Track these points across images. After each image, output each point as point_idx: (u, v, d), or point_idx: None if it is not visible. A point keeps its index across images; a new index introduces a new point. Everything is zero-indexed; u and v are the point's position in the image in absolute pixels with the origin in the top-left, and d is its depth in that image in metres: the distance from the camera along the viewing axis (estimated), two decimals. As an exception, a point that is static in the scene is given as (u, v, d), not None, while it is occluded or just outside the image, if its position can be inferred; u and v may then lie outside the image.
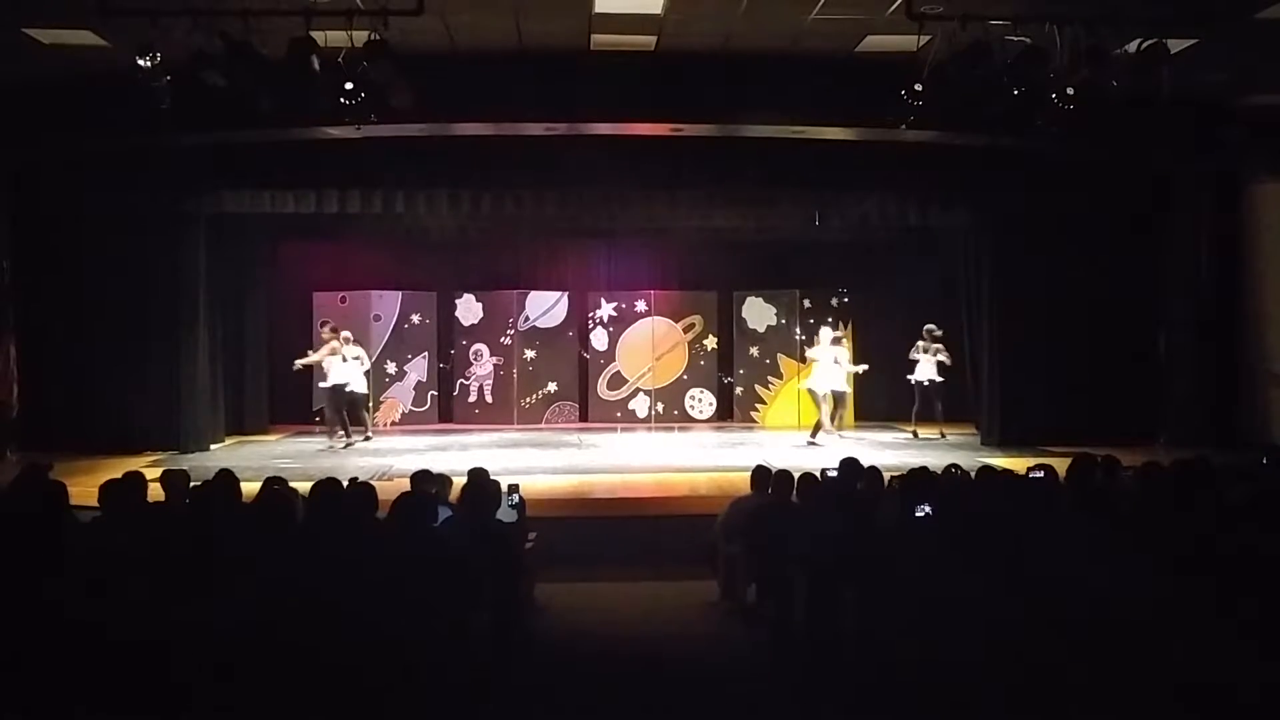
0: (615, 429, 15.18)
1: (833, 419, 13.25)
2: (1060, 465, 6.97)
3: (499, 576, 5.69)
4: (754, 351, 15.78)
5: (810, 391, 13.42)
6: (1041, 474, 6.67)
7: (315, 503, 5.86)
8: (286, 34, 7.78)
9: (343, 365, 12.92)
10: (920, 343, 13.43)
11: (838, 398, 13.36)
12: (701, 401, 15.78)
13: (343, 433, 12.85)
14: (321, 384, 13.46)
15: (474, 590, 5.30)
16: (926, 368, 13.35)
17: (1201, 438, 11.83)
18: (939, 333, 13.39)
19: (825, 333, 13.71)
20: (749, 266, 16.04)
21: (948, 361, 13.30)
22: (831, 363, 13.30)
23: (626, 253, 16.39)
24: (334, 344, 13.05)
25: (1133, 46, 8.20)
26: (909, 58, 8.83)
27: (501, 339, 15.71)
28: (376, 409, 15.34)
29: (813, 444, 12.79)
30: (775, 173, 11.97)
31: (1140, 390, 12.88)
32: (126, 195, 12.03)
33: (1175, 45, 8.57)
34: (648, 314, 15.85)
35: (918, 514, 5.81)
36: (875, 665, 5.19)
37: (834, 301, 15.73)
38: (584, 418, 15.68)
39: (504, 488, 6.90)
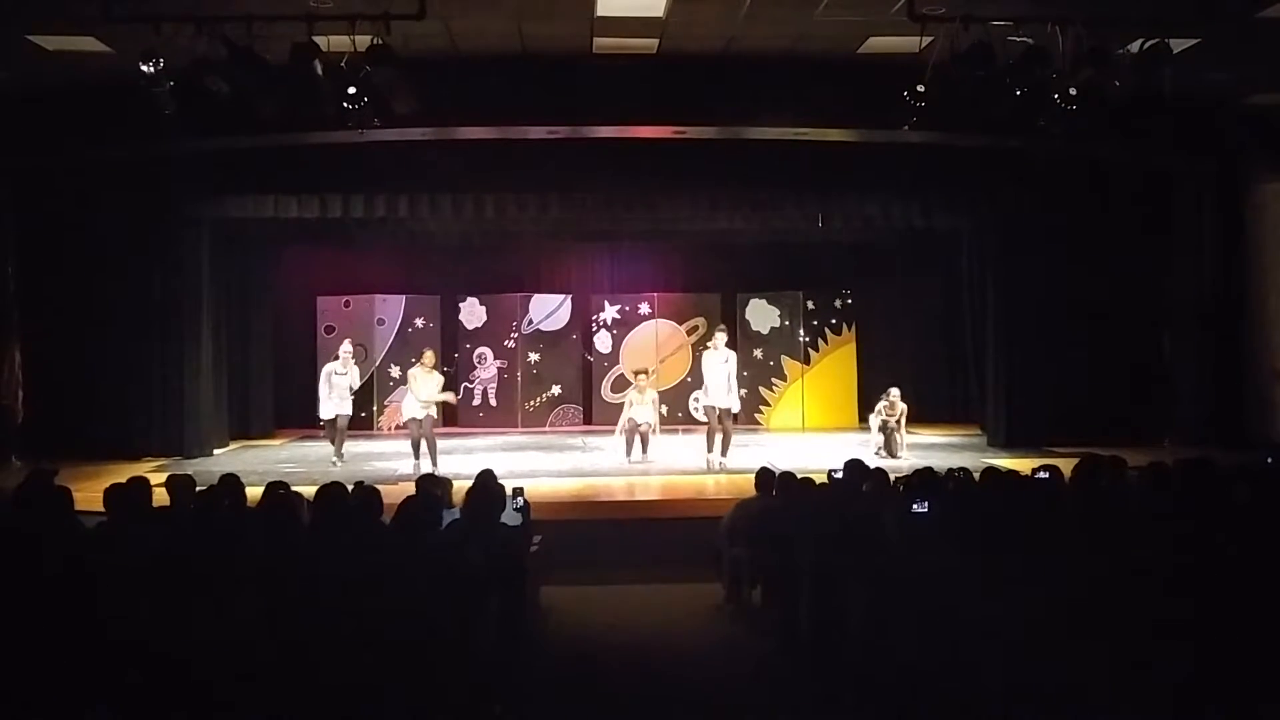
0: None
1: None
2: (1066, 466, 6.96)
3: (504, 579, 5.69)
4: (757, 353, 15.80)
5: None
6: (1047, 475, 6.66)
7: (320, 506, 5.86)
8: (289, 39, 7.80)
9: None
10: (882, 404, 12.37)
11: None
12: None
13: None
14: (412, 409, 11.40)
15: (479, 593, 5.30)
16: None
17: (1207, 437, 11.83)
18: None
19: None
20: (752, 268, 16.06)
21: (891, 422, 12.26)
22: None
23: (629, 255, 16.41)
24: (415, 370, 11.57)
25: (1135, 47, 8.19)
26: (911, 59, 8.81)
27: (505, 342, 15.72)
28: (381, 413, 15.38)
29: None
30: (778, 175, 11.96)
31: (1145, 390, 12.86)
32: (130, 201, 12.07)
33: (1177, 45, 8.56)
34: (651, 316, 15.87)
35: (915, 509, 5.81)
36: (880, 668, 5.19)
37: (837, 303, 15.75)
38: (588, 420, 15.69)
39: (509, 491, 6.91)
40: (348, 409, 11.89)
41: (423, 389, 11.32)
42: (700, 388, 12.17)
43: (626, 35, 9.75)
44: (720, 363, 11.49)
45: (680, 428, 15.37)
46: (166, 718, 4.04)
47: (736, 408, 11.83)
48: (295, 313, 15.37)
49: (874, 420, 12.45)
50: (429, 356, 11.64)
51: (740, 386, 15.55)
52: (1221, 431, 12.05)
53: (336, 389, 11.78)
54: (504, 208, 12.49)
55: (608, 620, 7.31)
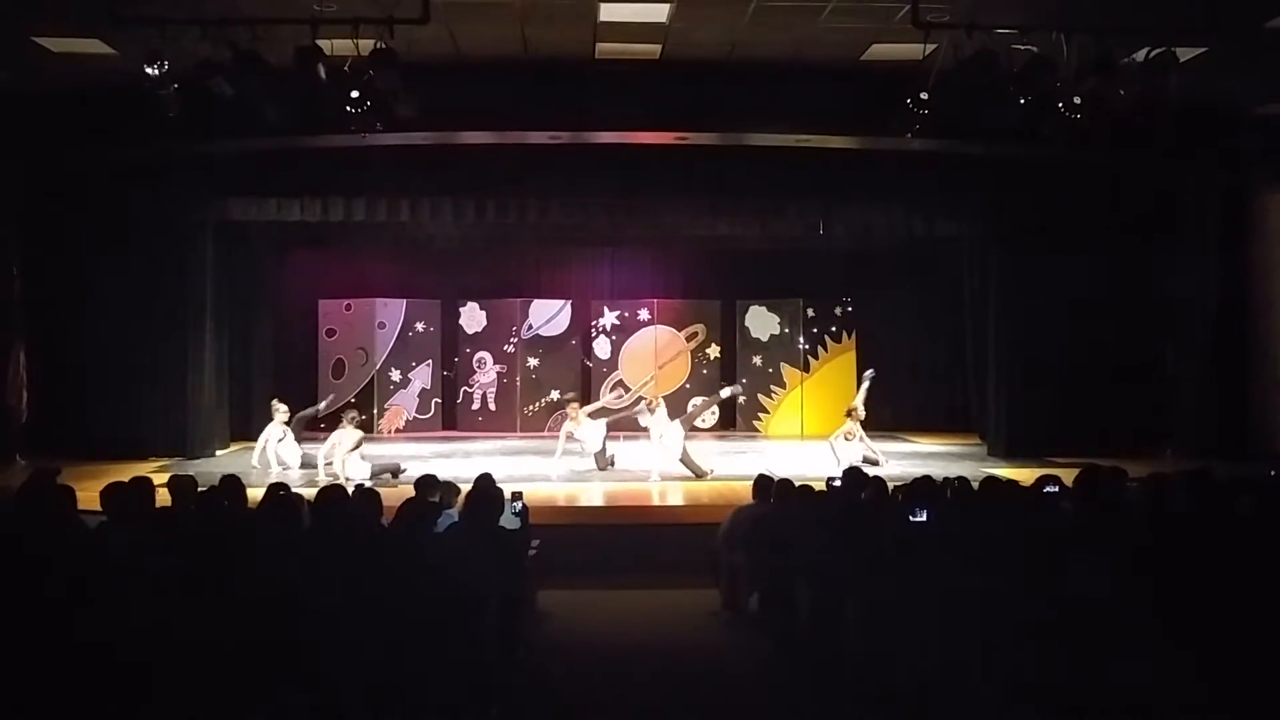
0: (618, 437, 15.14)
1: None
2: (1066, 476, 6.94)
3: (502, 583, 5.68)
4: (757, 360, 15.80)
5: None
6: (1055, 487, 6.63)
7: (320, 508, 5.86)
8: (293, 43, 7.82)
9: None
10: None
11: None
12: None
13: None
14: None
15: (477, 597, 5.29)
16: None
17: (1209, 448, 11.78)
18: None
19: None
20: (752, 275, 16.06)
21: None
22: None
23: (630, 261, 16.42)
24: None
25: (1140, 55, 8.20)
26: (915, 66, 8.83)
27: (505, 347, 15.73)
28: (381, 416, 15.38)
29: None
30: (779, 181, 11.97)
31: (1147, 400, 12.84)
32: (134, 203, 12.09)
33: (1183, 54, 8.55)
34: (651, 323, 15.87)
35: (914, 519, 5.81)
36: (878, 676, 5.18)
37: (837, 310, 15.75)
38: (587, 426, 15.66)
39: (507, 495, 6.90)
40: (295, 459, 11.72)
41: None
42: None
43: (629, 40, 9.76)
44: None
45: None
46: (165, 718, 4.03)
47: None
48: (297, 316, 15.38)
49: (837, 438, 11.95)
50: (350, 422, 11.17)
51: (741, 394, 15.67)
52: (1224, 442, 12.01)
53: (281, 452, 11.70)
54: (505, 212, 12.49)
55: (605, 625, 7.30)
